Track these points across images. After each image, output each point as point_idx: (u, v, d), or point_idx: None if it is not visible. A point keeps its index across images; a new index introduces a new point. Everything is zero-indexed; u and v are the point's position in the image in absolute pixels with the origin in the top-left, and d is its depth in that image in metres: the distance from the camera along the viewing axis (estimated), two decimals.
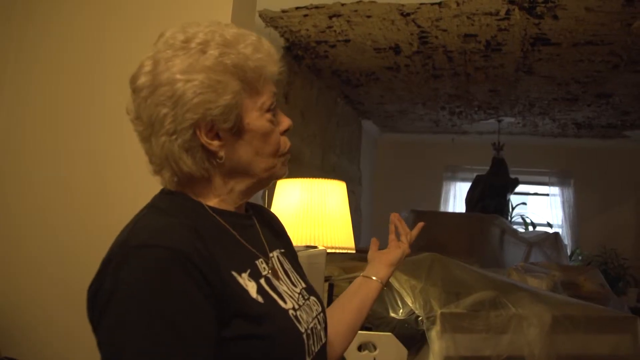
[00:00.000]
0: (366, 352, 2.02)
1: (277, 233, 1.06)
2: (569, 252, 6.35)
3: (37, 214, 1.99)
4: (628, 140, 6.63)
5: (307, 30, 3.75)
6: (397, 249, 1.28)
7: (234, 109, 0.85)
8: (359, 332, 1.97)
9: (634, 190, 6.61)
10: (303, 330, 0.88)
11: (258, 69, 0.88)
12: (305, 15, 3.49)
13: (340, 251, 2.20)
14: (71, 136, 1.99)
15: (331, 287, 2.84)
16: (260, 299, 0.83)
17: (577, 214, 6.84)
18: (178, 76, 0.82)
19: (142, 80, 0.84)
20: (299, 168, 4.62)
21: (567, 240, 6.67)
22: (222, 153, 0.86)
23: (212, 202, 0.90)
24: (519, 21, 3.36)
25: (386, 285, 1.26)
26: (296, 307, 0.91)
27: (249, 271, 0.86)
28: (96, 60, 1.98)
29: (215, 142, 0.85)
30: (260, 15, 3.50)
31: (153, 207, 0.88)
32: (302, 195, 2.20)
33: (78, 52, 2.01)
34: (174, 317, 0.72)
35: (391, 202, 7.06)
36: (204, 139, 0.84)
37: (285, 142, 0.94)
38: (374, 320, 2.51)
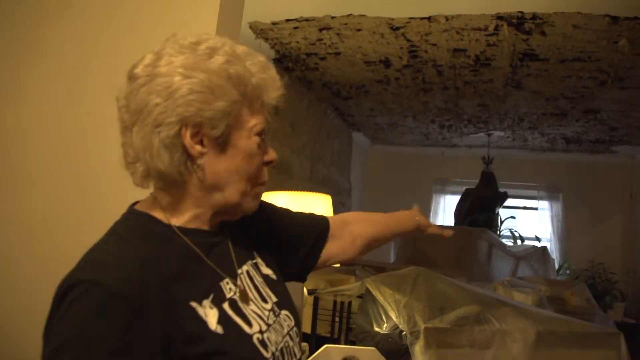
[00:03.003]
0: None
1: (253, 235, 1.04)
2: (556, 266, 6.37)
3: (31, 215, 1.97)
4: (616, 156, 6.69)
5: (298, 42, 3.76)
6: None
7: (226, 117, 0.84)
8: (342, 346, 1.95)
9: (622, 205, 6.66)
10: (269, 355, 0.86)
11: (259, 88, 0.88)
12: (296, 28, 3.50)
13: None
14: (65, 137, 1.97)
15: (316, 301, 2.83)
16: (219, 330, 0.81)
17: (565, 228, 6.88)
18: (179, 70, 0.81)
19: (140, 69, 0.84)
20: (289, 179, 4.62)
21: (555, 254, 6.70)
22: (201, 161, 0.84)
23: (184, 218, 0.88)
24: (507, 37, 3.39)
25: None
26: (264, 329, 0.88)
27: (211, 297, 0.84)
28: (84, 67, 1.98)
29: (198, 147, 0.84)
30: (250, 27, 3.51)
31: (114, 234, 0.85)
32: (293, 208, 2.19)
33: (68, 56, 2.01)
34: None
35: None
36: (187, 140, 0.82)
37: (265, 174, 0.94)
38: (358, 334, 2.50)
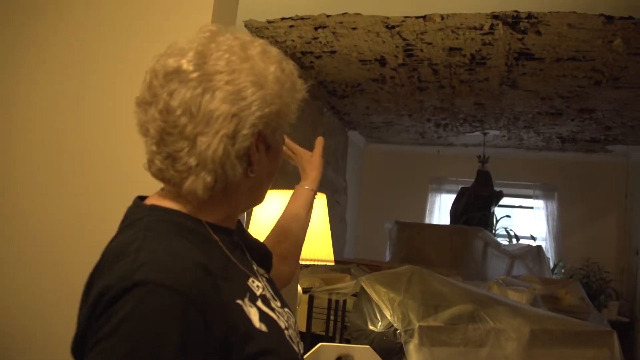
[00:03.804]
0: None
1: (248, 244, 1.04)
2: (551, 265, 6.40)
3: (31, 217, 1.97)
4: (611, 155, 6.71)
5: (293, 41, 3.76)
6: (314, 163, 1.36)
7: (285, 125, 0.87)
8: (337, 344, 1.96)
9: (617, 204, 6.68)
10: (297, 350, 0.87)
11: (301, 92, 0.90)
12: (291, 26, 3.50)
13: (320, 263, 2.20)
14: (64, 139, 1.97)
15: (311, 299, 2.84)
16: (263, 328, 0.80)
17: (560, 227, 6.89)
18: (251, 78, 0.80)
19: (195, 73, 0.79)
20: (284, 178, 4.61)
21: (550, 253, 6.72)
22: (257, 166, 0.85)
23: (215, 217, 0.87)
24: (502, 36, 3.40)
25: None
26: (287, 325, 0.89)
27: (248, 295, 0.83)
28: (80, 65, 1.98)
29: (256, 154, 0.84)
30: (245, 26, 3.51)
31: (149, 230, 0.80)
32: (281, 207, 2.19)
33: (66, 52, 2.01)
34: None
35: (377, 213, 7.09)
36: (254, 149, 0.83)
37: None
38: (353, 332, 2.50)
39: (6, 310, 1.94)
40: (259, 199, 0.94)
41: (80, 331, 0.74)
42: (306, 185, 1.32)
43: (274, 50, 0.87)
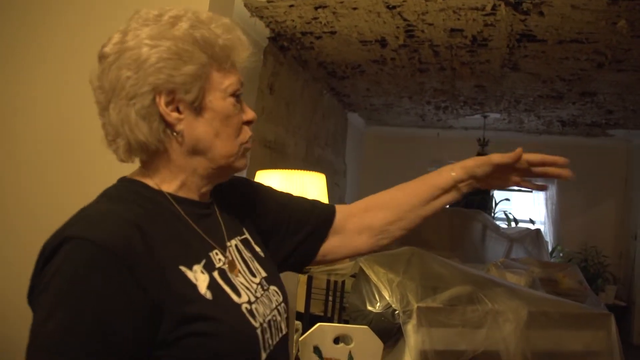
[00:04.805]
0: (342, 345, 2.02)
1: (242, 213, 1.04)
2: (550, 249, 6.41)
3: (35, 215, 1.96)
4: (612, 139, 6.69)
5: (293, 21, 3.72)
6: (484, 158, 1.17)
7: (198, 81, 0.85)
8: (335, 324, 1.96)
9: (616, 188, 6.68)
10: (257, 325, 0.87)
11: (227, 48, 0.89)
12: (291, 6, 3.45)
13: None
14: (66, 137, 1.97)
15: (310, 280, 2.84)
16: (209, 295, 0.82)
17: (559, 211, 6.90)
18: (145, 41, 0.83)
19: (109, 48, 0.85)
20: (283, 159, 4.60)
21: (549, 237, 6.73)
22: (180, 127, 0.86)
23: (173, 186, 0.90)
24: (505, 17, 3.36)
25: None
26: (252, 300, 0.89)
27: (203, 262, 0.85)
28: (85, 62, 1.95)
29: (174, 114, 0.85)
30: (245, 5, 3.46)
31: (104, 195, 0.88)
32: (281, 187, 2.18)
33: (68, 53, 2.00)
34: (93, 320, 0.71)
35: None
36: (162, 108, 0.84)
37: (247, 132, 0.94)
38: (351, 313, 2.51)
39: (13, 307, 1.94)
40: (218, 161, 0.90)
41: (31, 284, 0.79)
42: (453, 171, 1.15)
43: (193, 14, 0.88)
